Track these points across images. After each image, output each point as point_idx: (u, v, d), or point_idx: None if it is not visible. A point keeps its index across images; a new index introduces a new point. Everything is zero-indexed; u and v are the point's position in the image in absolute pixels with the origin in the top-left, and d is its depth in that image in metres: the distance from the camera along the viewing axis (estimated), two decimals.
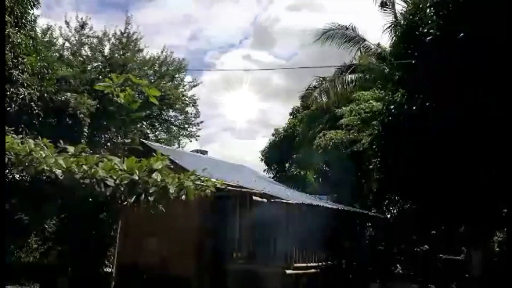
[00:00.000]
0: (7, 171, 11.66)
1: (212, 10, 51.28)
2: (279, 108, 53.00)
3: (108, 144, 19.88)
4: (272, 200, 11.85)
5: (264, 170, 31.00)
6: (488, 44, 8.43)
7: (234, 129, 62.10)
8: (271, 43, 55.38)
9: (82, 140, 14.66)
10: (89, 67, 21.10)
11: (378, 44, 18.71)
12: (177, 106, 23.73)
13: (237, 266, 11.91)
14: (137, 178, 3.89)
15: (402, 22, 12.74)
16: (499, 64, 8.58)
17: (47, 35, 19.80)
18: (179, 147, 24.25)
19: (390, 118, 11.95)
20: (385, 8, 16.33)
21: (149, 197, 4.02)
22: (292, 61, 50.33)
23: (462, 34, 8.64)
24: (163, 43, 22.37)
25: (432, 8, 10.09)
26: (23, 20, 13.67)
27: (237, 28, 57.30)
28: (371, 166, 15.20)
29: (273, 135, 31.36)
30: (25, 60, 13.02)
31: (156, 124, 23.90)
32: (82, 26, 21.10)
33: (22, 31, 13.30)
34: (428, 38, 9.54)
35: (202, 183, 4.50)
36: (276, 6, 55.26)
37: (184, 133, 25.07)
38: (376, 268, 14.04)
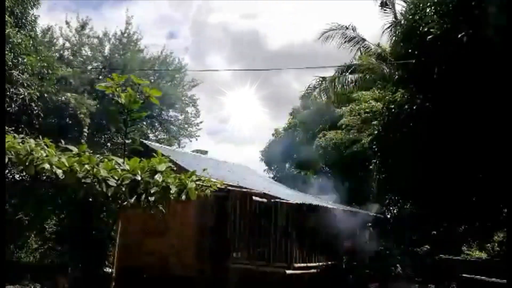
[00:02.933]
0: (7, 171, 11.67)
1: (185, 9, 51.42)
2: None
3: (108, 144, 19.88)
4: (272, 200, 11.85)
5: (264, 170, 31.02)
6: (489, 43, 8.43)
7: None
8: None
9: (82, 140, 14.66)
10: (89, 67, 21.10)
11: (378, 44, 18.73)
12: (177, 106, 23.74)
13: (237, 266, 11.90)
14: (139, 178, 3.89)
15: (402, 21, 12.75)
16: (499, 63, 8.58)
17: (47, 35, 19.79)
18: (179, 147, 24.25)
19: (390, 118, 11.94)
20: (385, 8, 16.33)
21: (149, 197, 4.01)
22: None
23: (462, 34, 8.65)
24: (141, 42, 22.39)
25: (432, 8, 10.09)
26: (23, 20, 13.68)
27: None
28: (371, 166, 15.21)
29: (273, 135, 31.39)
30: (25, 60, 13.02)
31: (156, 124, 23.89)
32: (83, 26, 21.10)
33: (22, 31, 13.30)
34: (429, 37, 9.54)
35: (203, 183, 4.50)
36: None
37: (184, 133, 25.05)
38: (376, 268, 14.04)
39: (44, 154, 3.81)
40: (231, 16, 52.82)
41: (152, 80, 21.94)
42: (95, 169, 3.81)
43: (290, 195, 14.18)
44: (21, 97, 12.79)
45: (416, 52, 10.45)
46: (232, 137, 56.27)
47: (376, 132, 13.18)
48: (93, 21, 21.51)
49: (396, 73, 12.99)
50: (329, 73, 18.94)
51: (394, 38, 14.75)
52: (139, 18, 48.74)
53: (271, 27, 54.48)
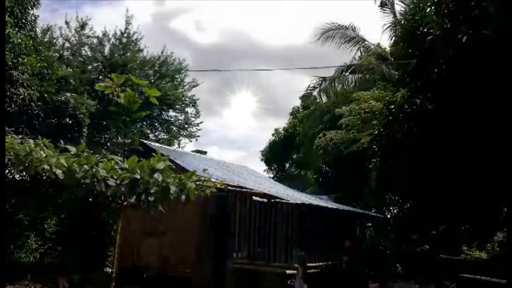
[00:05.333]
0: (7, 171, 11.67)
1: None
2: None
3: (108, 144, 19.89)
4: (272, 200, 11.85)
5: (264, 170, 31.09)
6: (489, 43, 8.42)
7: None
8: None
9: (82, 140, 14.66)
10: (89, 67, 21.11)
11: (378, 44, 18.74)
12: (177, 106, 23.74)
13: (237, 266, 11.91)
14: (138, 177, 3.89)
15: (402, 21, 12.74)
16: (499, 63, 8.57)
17: (47, 35, 19.80)
18: (179, 147, 24.25)
19: (390, 118, 11.93)
20: (384, 8, 16.37)
21: (149, 197, 4.02)
22: None
23: (462, 34, 8.63)
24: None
25: (432, 8, 10.08)
26: (23, 20, 13.67)
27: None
28: (370, 166, 15.20)
29: (273, 135, 31.41)
30: (25, 60, 13.02)
31: (156, 124, 23.90)
32: (82, 26, 21.11)
33: (22, 31, 13.30)
34: (429, 37, 9.53)
35: (203, 183, 4.51)
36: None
37: (184, 133, 25.06)
38: (376, 268, 14.04)
39: (44, 155, 3.81)
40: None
41: (152, 80, 21.96)
42: (94, 169, 3.81)
43: (290, 195, 14.18)
44: (21, 97, 12.78)
45: (416, 52, 10.45)
46: (218, 141, 56.63)
47: (376, 132, 13.17)
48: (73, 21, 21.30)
49: (396, 73, 12.99)
50: (326, 73, 19.03)
51: (394, 38, 14.77)
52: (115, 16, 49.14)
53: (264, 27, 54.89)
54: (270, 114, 58.62)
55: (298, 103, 29.53)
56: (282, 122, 32.34)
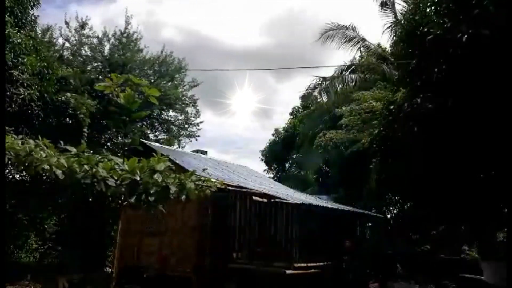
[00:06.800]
0: (7, 171, 11.67)
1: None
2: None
3: (108, 144, 19.89)
4: (272, 200, 11.85)
5: (264, 170, 31.10)
6: (489, 43, 8.42)
7: None
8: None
9: (82, 140, 14.66)
10: (89, 67, 21.09)
11: (378, 44, 18.75)
12: (177, 106, 23.72)
13: (237, 266, 11.90)
14: (138, 178, 3.89)
15: (402, 21, 12.75)
16: (500, 63, 8.57)
17: (47, 35, 19.79)
18: (179, 147, 24.24)
19: (390, 118, 11.92)
20: (385, 8, 16.36)
21: (149, 197, 4.02)
22: None
23: (462, 34, 8.63)
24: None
25: (432, 8, 10.09)
26: (23, 20, 13.68)
27: None
28: (371, 166, 15.20)
29: (273, 135, 31.43)
30: (25, 60, 13.02)
31: (156, 124, 23.87)
32: (82, 26, 21.09)
33: (22, 31, 13.30)
34: (429, 37, 9.52)
35: (203, 183, 4.50)
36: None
37: (184, 133, 25.04)
38: (376, 268, 14.04)
39: (44, 155, 3.81)
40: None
41: (152, 80, 21.95)
42: (94, 169, 3.81)
43: (290, 195, 14.18)
44: (21, 97, 12.78)
45: (416, 52, 10.45)
46: (217, 141, 56.67)
47: (376, 132, 13.17)
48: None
49: (396, 73, 12.99)
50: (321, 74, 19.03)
51: (394, 38, 14.78)
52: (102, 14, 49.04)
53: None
54: (265, 113, 58.82)
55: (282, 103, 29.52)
56: (276, 121, 32.36)
